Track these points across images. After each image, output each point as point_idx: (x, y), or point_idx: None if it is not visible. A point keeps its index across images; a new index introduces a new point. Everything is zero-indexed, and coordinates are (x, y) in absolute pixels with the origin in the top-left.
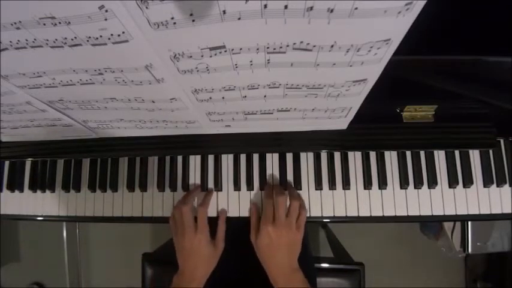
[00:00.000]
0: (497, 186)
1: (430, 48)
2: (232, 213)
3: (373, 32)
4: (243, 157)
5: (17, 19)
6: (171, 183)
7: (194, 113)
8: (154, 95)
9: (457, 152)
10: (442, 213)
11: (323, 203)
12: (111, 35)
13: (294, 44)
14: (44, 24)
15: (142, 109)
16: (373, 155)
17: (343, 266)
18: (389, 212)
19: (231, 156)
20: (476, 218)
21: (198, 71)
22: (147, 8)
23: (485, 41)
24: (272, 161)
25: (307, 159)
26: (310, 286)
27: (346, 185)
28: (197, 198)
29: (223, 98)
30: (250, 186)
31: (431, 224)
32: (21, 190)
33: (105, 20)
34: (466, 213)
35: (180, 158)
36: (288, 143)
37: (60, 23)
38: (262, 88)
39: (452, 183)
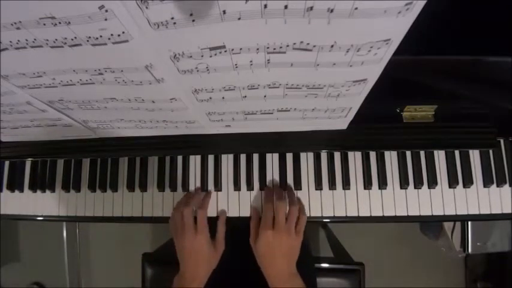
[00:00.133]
0: (497, 186)
1: (430, 48)
2: (232, 213)
3: (373, 32)
4: (243, 157)
5: (17, 19)
6: (171, 183)
7: (194, 113)
8: (154, 95)
9: (457, 152)
10: (442, 213)
11: (323, 203)
12: (111, 35)
13: (294, 44)
14: (44, 24)
15: (142, 109)
16: (373, 155)
17: (343, 266)
18: (389, 212)
19: (231, 156)
20: (476, 218)
21: (198, 71)
22: (147, 8)
23: (485, 41)
24: (272, 161)
25: (307, 159)
26: None
27: (346, 185)
28: (197, 199)
29: (223, 98)
30: (250, 187)
31: (431, 224)
32: (21, 190)
33: (105, 20)
34: (466, 213)
35: (180, 158)
36: (288, 143)
37: (60, 23)
38: (262, 88)
39: (452, 183)
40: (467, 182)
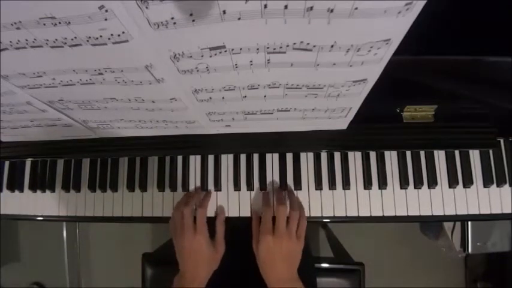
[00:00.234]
0: (497, 186)
1: (430, 48)
2: (232, 213)
3: (373, 32)
4: (243, 157)
5: (17, 19)
6: (171, 183)
7: (194, 113)
8: (154, 95)
9: (457, 152)
10: (442, 213)
11: (323, 203)
12: (111, 35)
13: (294, 44)
14: (44, 24)
15: (142, 109)
16: (373, 155)
17: (343, 266)
18: (389, 212)
19: (231, 156)
20: (476, 218)
21: (198, 71)
22: (147, 8)
23: (485, 41)
24: (272, 161)
25: (307, 159)
26: None
27: (346, 185)
28: (196, 199)
29: (223, 98)
30: (250, 187)
31: (431, 224)
32: (21, 190)
33: (105, 20)
34: (466, 213)
35: (180, 158)
36: (288, 143)
37: (60, 23)
38: (262, 88)
39: (452, 183)
40: (467, 182)
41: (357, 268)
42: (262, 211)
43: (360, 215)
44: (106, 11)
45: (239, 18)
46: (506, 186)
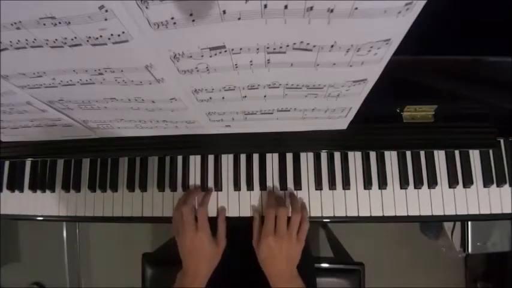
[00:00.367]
0: (497, 186)
1: (430, 48)
2: (232, 213)
3: (373, 32)
4: (243, 157)
5: (17, 19)
6: (171, 183)
7: (194, 113)
8: (154, 95)
9: (457, 152)
10: (442, 213)
11: (323, 203)
12: (111, 35)
13: (294, 44)
14: (44, 24)
15: (142, 109)
16: (373, 155)
17: (343, 266)
18: (389, 212)
19: (231, 156)
20: (476, 218)
21: (198, 71)
22: (147, 8)
23: (485, 41)
24: (272, 161)
25: (307, 159)
26: None
27: (346, 185)
28: (197, 198)
29: (223, 98)
30: (250, 187)
31: (431, 224)
32: (21, 190)
33: (105, 20)
34: (466, 213)
35: (180, 158)
36: (288, 143)
37: (60, 23)
38: (262, 88)
39: (452, 183)
40: (467, 182)
41: (357, 268)
42: (265, 212)
43: (360, 215)
44: (106, 11)
45: (239, 18)
46: (506, 186)
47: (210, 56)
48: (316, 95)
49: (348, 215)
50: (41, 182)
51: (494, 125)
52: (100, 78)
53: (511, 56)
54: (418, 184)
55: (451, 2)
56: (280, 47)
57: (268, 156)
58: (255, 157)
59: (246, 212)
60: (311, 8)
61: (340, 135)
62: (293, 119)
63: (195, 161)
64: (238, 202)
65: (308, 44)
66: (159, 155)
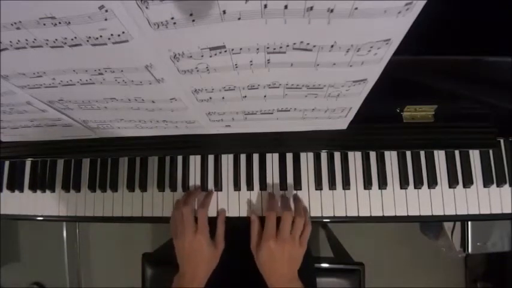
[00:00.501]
0: (497, 186)
1: (430, 48)
2: (232, 213)
3: (373, 32)
4: (243, 157)
5: (17, 19)
6: (171, 183)
7: (194, 113)
8: (154, 95)
9: (457, 152)
10: (442, 213)
11: (323, 203)
12: (111, 35)
13: (294, 44)
14: (44, 24)
15: (142, 109)
16: (373, 155)
17: (343, 266)
18: (389, 212)
19: (231, 156)
20: (476, 218)
21: (198, 71)
22: (147, 8)
23: (485, 41)
24: (272, 161)
25: (307, 159)
26: None
27: (346, 185)
28: (197, 199)
29: (223, 98)
30: (250, 187)
31: (431, 224)
32: (21, 190)
33: (105, 20)
34: (466, 213)
35: (180, 158)
36: (288, 143)
37: (60, 23)
38: (262, 88)
39: (452, 183)
40: (467, 182)
41: (357, 268)
42: (266, 215)
43: (360, 215)
44: (106, 11)
45: (239, 18)
46: (506, 186)
47: (210, 56)
48: (316, 95)
49: (348, 215)
50: (41, 182)
51: (494, 125)
52: (100, 78)
53: (511, 56)
54: (418, 184)
55: (451, 2)
56: (280, 47)
57: (268, 156)
58: (255, 157)
59: (246, 212)
60: (311, 8)
61: (340, 135)
62: (293, 119)
63: (195, 161)
64: (238, 202)
65: (308, 44)
66: (159, 155)
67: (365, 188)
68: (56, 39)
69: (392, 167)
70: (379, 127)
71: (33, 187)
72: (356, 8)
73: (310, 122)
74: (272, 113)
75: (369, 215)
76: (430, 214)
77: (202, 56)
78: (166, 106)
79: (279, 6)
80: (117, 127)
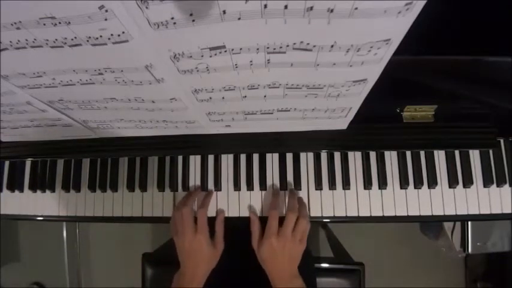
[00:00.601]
0: (497, 186)
1: (430, 48)
2: (232, 213)
3: (373, 32)
4: (243, 157)
5: (17, 19)
6: (171, 183)
7: (194, 113)
8: (154, 95)
9: (457, 152)
10: (442, 213)
11: (323, 203)
12: (111, 35)
13: (294, 44)
14: (44, 24)
15: (142, 109)
16: (373, 155)
17: (343, 266)
18: (389, 212)
19: (231, 156)
20: (476, 218)
21: (198, 71)
22: (147, 8)
23: (485, 41)
24: (272, 161)
25: (307, 159)
26: None
27: (346, 185)
28: (197, 199)
29: (223, 98)
30: (250, 187)
31: (431, 224)
32: (21, 190)
33: (105, 20)
34: (466, 213)
35: (180, 158)
36: (288, 143)
37: (60, 23)
38: (262, 88)
39: (452, 183)
40: (467, 182)
41: (357, 268)
42: (269, 212)
43: (360, 215)
44: (106, 11)
45: (239, 18)
46: (506, 186)
47: (210, 56)
48: (316, 95)
49: (348, 215)
50: (41, 182)
51: (494, 125)
52: (100, 78)
53: (511, 56)
54: (418, 184)
55: (451, 2)
56: (280, 47)
57: (268, 156)
58: (255, 157)
59: (246, 212)
60: (311, 8)
61: (340, 135)
62: (293, 119)
63: (195, 161)
64: (238, 202)
65: (308, 44)
66: (159, 155)
67: (365, 188)
68: (56, 39)
69: (392, 167)
70: (379, 127)
71: (33, 187)
72: (356, 8)
73: (310, 122)
74: (272, 113)
75: (369, 215)
76: (430, 214)
77: (202, 56)
78: (166, 106)
79: (279, 6)
80: (117, 127)
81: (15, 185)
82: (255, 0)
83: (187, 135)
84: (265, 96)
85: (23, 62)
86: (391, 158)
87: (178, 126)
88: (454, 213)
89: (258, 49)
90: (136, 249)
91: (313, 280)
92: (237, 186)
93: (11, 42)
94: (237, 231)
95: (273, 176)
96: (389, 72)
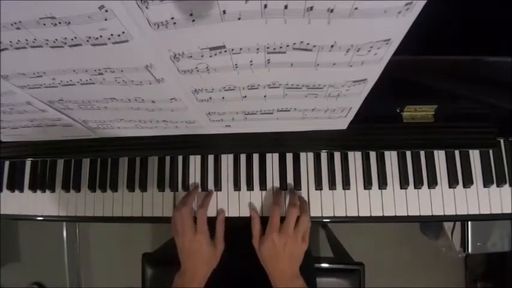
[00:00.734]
0: (497, 186)
1: (430, 48)
2: (232, 213)
3: (373, 32)
4: (243, 157)
5: (17, 19)
6: (171, 183)
7: (194, 113)
8: (154, 95)
9: (457, 152)
10: (442, 213)
11: (323, 203)
12: (111, 35)
13: (294, 44)
14: (44, 24)
15: (142, 109)
16: (373, 155)
17: (343, 266)
18: (389, 212)
19: (231, 156)
20: (476, 218)
21: (198, 71)
22: (147, 8)
23: (485, 41)
24: (272, 161)
25: (307, 159)
26: None
27: (346, 185)
28: (197, 198)
29: (223, 98)
30: (250, 187)
31: (431, 224)
32: (21, 190)
33: (105, 20)
34: (466, 213)
35: (180, 158)
36: (288, 143)
37: (60, 23)
38: (262, 88)
39: (452, 183)
40: (467, 182)
41: (357, 268)
42: (271, 210)
43: (360, 215)
44: (106, 11)
45: (239, 18)
46: (506, 186)
47: (210, 56)
48: (316, 95)
49: (348, 215)
50: (41, 182)
51: (494, 125)
52: (100, 78)
53: (511, 56)
54: (418, 184)
55: (451, 2)
56: (280, 47)
57: (268, 156)
58: (255, 157)
59: (246, 212)
60: (311, 8)
61: (340, 135)
62: (293, 119)
63: (195, 161)
64: (238, 202)
65: (308, 44)
66: (159, 155)
67: (365, 188)
68: (56, 39)
69: (392, 167)
70: (379, 127)
71: (33, 187)
72: (356, 8)
73: (310, 122)
74: (272, 113)
75: (369, 215)
76: (430, 214)
77: (202, 56)
78: (166, 106)
79: (279, 6)
80: (117, 127)
81: (15, 185)
82: (255, 0)
83: (187, 135)
84: (265, 96)
85: (23, 62)
86: (391, 158)
87: (178, 126)
88: (454, 213)
89: (258, 49)
90: (136, 249)
91: (313, 280)
92: (237, 186)
93: (11, 42)
94: (237, 231)
95: (273, 176)
96: (389, 72)
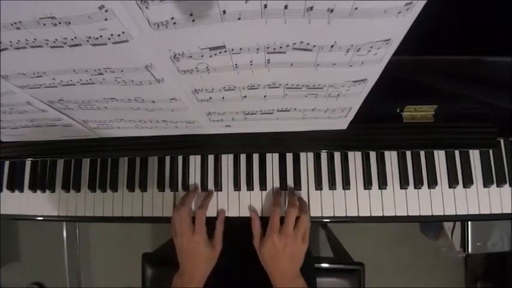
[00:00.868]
0: (497, 186)
1: (430, 48)
2: (232, 213)
3: (373, 32)
4: (243, 157)
5: (17, 19)
6: (171, 183)
7: (194, 113)
8: (154, 95)
9: (457, 152)
10: (442, 213)
11: (323, 203)
12: (111, 35)
13: (294, 44)
14: (44, 24)
15: (142, 109)
16: (373, 155)
17: (343, 266)
18: (389, 212)
19: (231, 156)
20: (476, 218)
21: (198, 71)
22: (147, 8)
23: (485, 41)
24: (272, 161)
25: (307, 159)
26: None
27: (346, 185)
28: (197, 199)
29: (223, 98)
30: (250, 187)
31: (431, 224)
32: (21, 190)
33: (105, 20)
34: (466, 213)
35: (180, 158)
36: (288, 143)
37: (60, 23)
38: (262, 88)
39: (452, 183)
40: (467, 182)
41: (357, 268)
42: (271, 211)
43: (360, 215)
44: (106, 11)
45: (239, 18)
46: (506, 186)
47: (210, 56)
48: (316, 95)
49: (348, 215)
50: (41, 182)
51: (494, 125)
52: (100, 78)
53: (511, 56)
54: (418, 184)
55: (451, 2)
56: (280, 47)
57: (268, 156)
58: (255, 157)
59: (246, 212)
60: (311, 8)
61: (340, 135)
62: (293, 119)
63: (195, 161)
64: (238, 202)
65: (308, 44)
66: (159, 155)
67: (365, 188)
68: (56, 39)
69: (392, 167)
70: (379, 127)
71: (33, 187)
72: (356, 8)
73: (310, 122)
74: (272, 113)
75: (369, 215)
76: (430, 214)
77: (202, 56)
78: (166, 106)
79: (279, 6)
80: (117, 127)
81: (15, 185)
82: (255, 0)
83: (187, 135)
84: (265, 96)
85: (23, 62)
86: (391, 158)
87: (178, 126)
88: (454, 213)
89: (258, 49)
90: (136, 249)
91: (313, 280)
92: (237, 186)
93: (11, 42)
94: (237, 231)
95: (273, 176)
96: (389, 72)
